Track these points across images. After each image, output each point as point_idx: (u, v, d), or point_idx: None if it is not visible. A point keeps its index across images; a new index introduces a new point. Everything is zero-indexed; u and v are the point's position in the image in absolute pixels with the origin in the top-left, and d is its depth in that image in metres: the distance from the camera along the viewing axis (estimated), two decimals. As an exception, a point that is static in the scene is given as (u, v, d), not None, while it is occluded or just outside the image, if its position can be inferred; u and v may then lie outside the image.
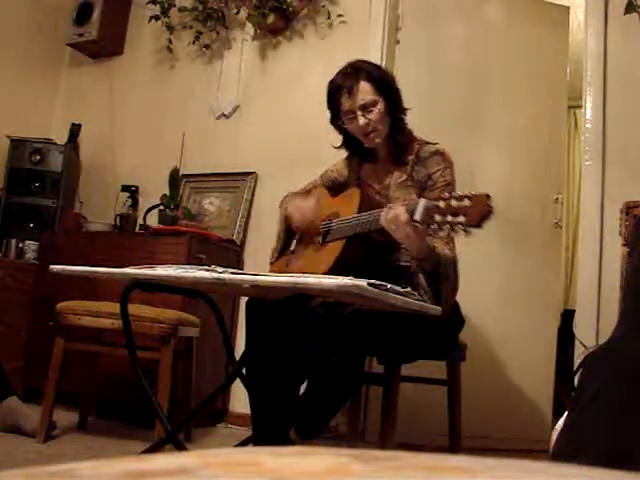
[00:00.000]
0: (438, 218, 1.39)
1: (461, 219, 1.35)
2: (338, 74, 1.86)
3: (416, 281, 1.70)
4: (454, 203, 1.37)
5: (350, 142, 1.94)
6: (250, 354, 1.74)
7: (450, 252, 1.72)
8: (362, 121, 1.80)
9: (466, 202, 1.36)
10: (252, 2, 3.19)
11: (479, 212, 1.33)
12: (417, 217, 1.44)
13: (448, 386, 2.05)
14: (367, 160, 1.95)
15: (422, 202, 1.45)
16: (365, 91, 1.79)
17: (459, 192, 1.40)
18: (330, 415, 1.85)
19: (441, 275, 1.66)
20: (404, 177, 1.85)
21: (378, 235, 1.67)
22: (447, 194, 1.41)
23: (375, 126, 1.81)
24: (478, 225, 1.33)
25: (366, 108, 1.79)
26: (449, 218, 1.37)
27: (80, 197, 3.68)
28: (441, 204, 1.40)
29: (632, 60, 2.54)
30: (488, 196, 1.35)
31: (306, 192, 2.06)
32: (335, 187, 2.02)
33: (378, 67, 1.92)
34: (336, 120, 1.90)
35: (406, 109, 1.90)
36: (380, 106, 1.80)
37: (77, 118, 3.67)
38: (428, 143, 1.88)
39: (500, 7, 3.05)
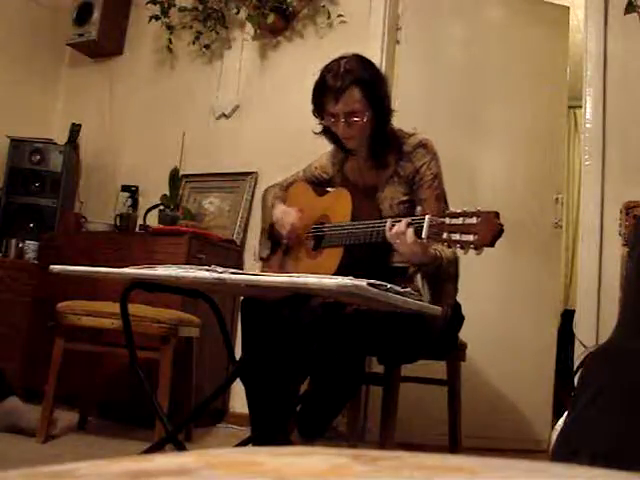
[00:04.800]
0: (446, 236, 1.37)
1: (471, 238, 1.33)
2: (329, 72, 1.73)
3: (412, 282, 1.70)
4: (461, 220, 1.35)
5: (329, 134, 1.87)
6: (248, 354, 1.74)
7: (451, 252, 1.69)
8: (342, 128, 1.74)
9: (474, 219, 1.34)
10: (252, 2, 3.19)
11: (491, 232, 1.31)
12: (424, 235, 1.42)
13: (448, 386, 2.05)
14: (349, 153, 1.90)
15: (427, 219, 1.42)
16: (353, 99, 1.70)
17: (465, 208, 1.37)
18: (332, 416, 1.85)
19: (442, 276, 1.65)
20: (389, 174, 1.81)
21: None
22: (458, 211, 1.38)
23: (355, 133, 1.75)
24: (491, 245, 1.32)
25: (351, 115, 1.72)
26: (458, 236, 1.35)
27: (80, 197, 3.68)
28: (447, 221, 1.38)
29: (632, 60, 2.54)
30: (497, 214, 1.33)
31: (289, 184, 2.04)
32: (318, 183, 1.99)
33: (372, 68, 1.78)
34: (318, 114, 1.82)
35: (392, 111, 1.82)
36: (366, 116, 1.72)
37: (77, 118, 3.67)
38: (410, 135, 1.81)
39: (500, 7, 3.05)
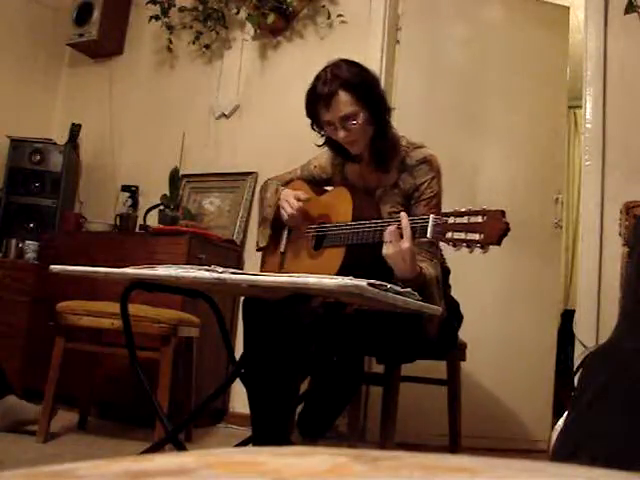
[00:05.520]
0: (450, 235, 1.37)
1: (477, 237, 1.32)
2: (317, 81, 1.74)
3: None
4: (466, 219, 1.35)
5: (332, 144, 1.87)
6: (249, 354, 1.74)
7: (434, 270, 1.67)
8: (342, 133, 1.73)
9: (479, 218, 1.33)
10: (252, 2, 3.19)
11: (497, 230, 1.31)
12: (429, 235, 1.41)
13: (448, 386, 2.05)
14: (351, 160, 1.89)
15: (432, 219, 1.41)
16: (344, 102, 1.69)
17: (470, 207, 1.36)
18: (333, 416, 1.85)
19: (424, 296, 1.63)
20: (390, 183, 1.80)
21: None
22: (463, 209, 1.37)
23: (356, 137, 1.74)
24: (497, 243, 1.31)
25: (346, 119, 1.71)
26: (463, 235, 1.35)
27: (80, 197, 3.68)
28: (452, 220, 1.37)
29: (632, 60, 2.55)
30: (503, 212, 1.33)
31: (287, 182, 2.03)
32: (316, 183, 1.98)
33: (360, 70, 1.76)
34: (317, 127, 1.83)
35: (391, 109, 1.82)
36: (361, 116, 1.71)
37: (77, 118, 3.67)
38: (416, 148, 1.80)
39: (500, 7, 3.05)
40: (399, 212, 1.74)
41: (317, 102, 1.73)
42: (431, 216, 1.43)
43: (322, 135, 1.86)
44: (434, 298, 1.63)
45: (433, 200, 1.74)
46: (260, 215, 2.02)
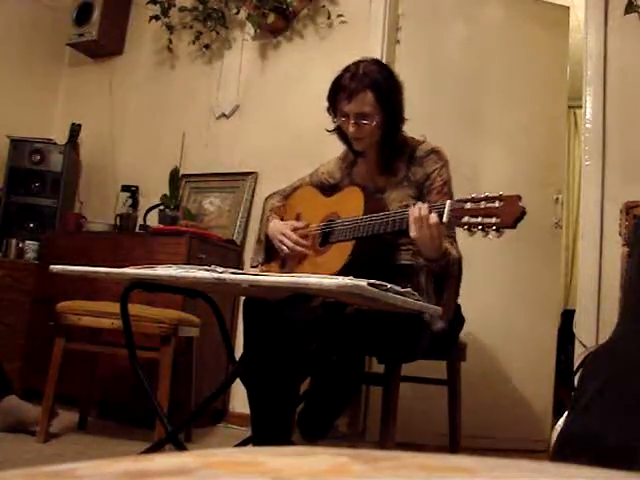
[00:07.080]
0: (467, 219, 1.39)
1: (492, 220, 1.35)
2: (347, 71, 1.79)
3: (416, 281, 1.70)
4: (483, 204, 1.37)
5: (340, 133, 1.91)
6: (249, 354, 1.74)
7: (456, 252, 1.72)
8: (352, 129, 1.78)
9: (497, 203, 1.36)
10: (252, 2, 3.19)
11: (513, 213, 1.33)
12: (445, 219, 1.44)
13: (448, 386, 2.05)
14: (358, 156, 1.93)
15: (448, 204, 1.45)
16: (366, 102, 1.75)
17: (487, 193, 1.39)
18: (333, 416, 1.85)
19: (447, 275, 1.66)
20: (399, 178, 1.84)
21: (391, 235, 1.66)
22: (480, 196, 1.39)
23: (364, 135, 1.79)
24: (513, 226, 1.34)
25: (361, 117, 1.76)
26: (480, 219, 1.37)
27: (80, 197, 3.68)
28: (468, 205, 1.40)
29: (632, 60, 2.54)
30: (519, 197, 1.36)
31: (293, 189, 2.05)
32: (325, 188, 2.00)
33: (390, 75, 1.82)
34: (332, 113, 1.86)
35: (405, 120, 1.85)
36: (376, 120, 1.77)
37: (77, 118, 3.67)
38: (423, 142, 1.86)
39: (500, 7, 3.05)
40: (410, 205, 1.76)
41: (341, 91, 1.78)
42: (448, 201, 1.46)
43: (334, 122, 1.89)
44: (455, 277, 1.68)
45: (444, 187, 1.79)
46: (258, 232, 2.06)
